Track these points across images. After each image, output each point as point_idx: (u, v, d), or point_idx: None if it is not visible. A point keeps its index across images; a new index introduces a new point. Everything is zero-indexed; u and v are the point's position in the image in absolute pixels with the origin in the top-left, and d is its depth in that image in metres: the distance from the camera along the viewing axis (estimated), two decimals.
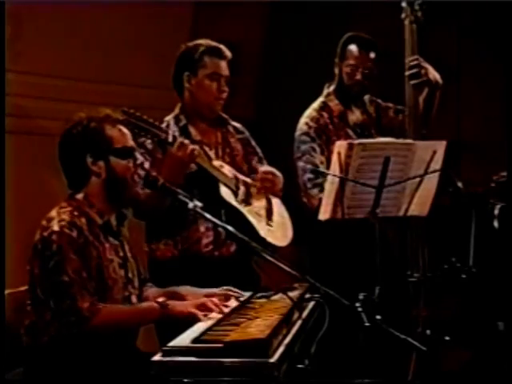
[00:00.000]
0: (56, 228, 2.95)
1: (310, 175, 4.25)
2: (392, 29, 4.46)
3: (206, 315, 3.01)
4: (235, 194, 3.82)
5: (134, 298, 3.17)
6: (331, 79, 4.48)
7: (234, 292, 3.21)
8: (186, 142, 3.66)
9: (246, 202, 3.85)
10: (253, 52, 6.09)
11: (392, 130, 4.42)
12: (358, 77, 4.37)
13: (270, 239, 3.81)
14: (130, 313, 3.09)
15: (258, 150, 4.12)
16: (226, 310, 3.06)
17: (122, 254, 3.16)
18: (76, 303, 2.90)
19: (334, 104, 4.44)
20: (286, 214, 4.06)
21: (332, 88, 4.48)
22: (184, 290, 3.27)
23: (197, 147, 3.72)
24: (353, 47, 4.38)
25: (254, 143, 4.11)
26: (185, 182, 3.61)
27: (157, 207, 3.66)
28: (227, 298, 3.23)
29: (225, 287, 3.24)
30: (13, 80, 4.70)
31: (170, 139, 3.63)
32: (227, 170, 3.85)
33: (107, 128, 3.10)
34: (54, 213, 3.03)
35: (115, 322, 2.99)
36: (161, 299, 3.08)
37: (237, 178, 3.86)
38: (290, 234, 4.01)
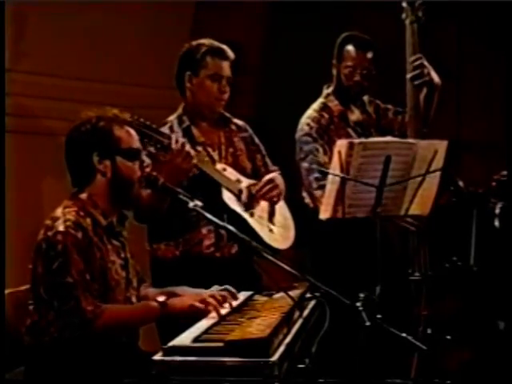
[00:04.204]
0: (61, 228, 2.94)
1: (316, 175, 4.23)
2: (392, 29, 4.46)
3: (205, 306, 3.01)
4: (238, 197, 3.81)
5: (134, 299, 3.17)
6: (331, 79, 4.48)
7: (231, 293, 3.20)
8: (186, 147, 3.65)
9: (249, 205, 3.85)
10: (253, 52, 6.09)
11: (391, 132, 4.42)
12: (357, 78, 4.37)
13: (271, 243, 3.81)
14: (130, 313, 3.09)
15: (262, 147, 4.12)
16: (225, 306, 3.06)
17: (123, 255, 3.16)
18: (80, 305, 2.89)
19: (334, 104, 4.43)
20: (288, 215, 4.06)
21: (331, 89, 4.47)
22: (181, 290, 3.26)
23: (200, 150, 3.72)
24: (350, 48, 4.37)
25: (257, 140, 4.11)
26: (187, 186, 3.59)
27: (157, 209, 3.66)
28: (224, 298, 3.21)
29: (222, 287, 3.23)
30: (16, 79, 4.71)
31: (174, 145, 3.62)
32: (230, 172, 3.84)
33: (115, 128, 3.09)
34: (59, 212, 3.01)
35: (117, 323, 2.98)
36: (160, 298, 3.07)
37: (240, 181, 3.86)
38: (291, 235, 4.01)
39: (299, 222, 4.08)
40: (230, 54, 3.92)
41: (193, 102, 3.92)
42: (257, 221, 3.84)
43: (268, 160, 4.11)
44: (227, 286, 3.23)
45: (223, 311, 3.04)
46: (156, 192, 3.49)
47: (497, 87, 6.04)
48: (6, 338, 3.03)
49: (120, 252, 3.15)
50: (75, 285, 2.90)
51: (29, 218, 4.30)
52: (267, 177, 3.94)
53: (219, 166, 3.83)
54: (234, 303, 3.16)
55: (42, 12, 4.84)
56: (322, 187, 4.15)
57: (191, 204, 3.14)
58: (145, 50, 5.36)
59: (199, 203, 3.14)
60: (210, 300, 3.03)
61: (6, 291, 3.17)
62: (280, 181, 3.97)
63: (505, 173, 4.53)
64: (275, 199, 3.94)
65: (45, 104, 4.94)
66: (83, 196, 3.08)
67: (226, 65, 3.90)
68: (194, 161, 3.66)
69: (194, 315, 2.96)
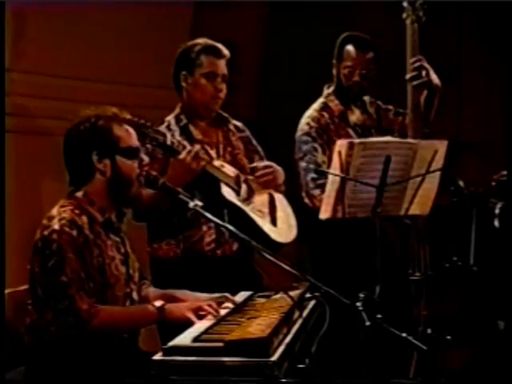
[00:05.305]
0: (56, 227, 2.95)
1: (313, 175, 4.25)
2: (392, 29, 4.46)
3: (202, 318, 3.00)
4: (237, 192, 3.82)
5: (135, 295, 3.17)
6: (331, 79, 4.48)
7: (230, 300, 3.21)
8: (195, 149, 3.66)
9: (249, 199, 3.85)
10: (253, 52, 6.09)
11: (392, 132, 4.42)
12: (356, 78, 4.37)
13: (274, 237, 3.81)
14: (126, 315, 3.09)
15: (259, 148, 4.12)
16: (223, 313, 3.05)
17: (123, 250, 3.16)
18: (74, 304, 2.90)
19: (334, 104, 4.44)
20: (289, 210, 4.06)
21: (331, 89, 4.48)
22: (182, 294, 3.27)
23: (198, 147, 3.73)
24: (350, 48, 4.37)
25: (254, 142, 4.12)
26: (186, 184, 3.60)
27: (157, 208, 3.67)
28: (222, 304, 3.21)
29: (221, 294, 3.24)
30: (15, 79, 4.71)
31: (169, 142, 3.63)
32: (228, 169, 3.85)
33: (115, 127, 3.09)
34: (54, 211, 3.02)
35: (112, 324, 2.98)
36: (158, 303, 3.06)
37: (238, 177, 3.86)
38: (294, 230, 4.01)
39: (299, 222, 4.08)
40: (225, 52, 3.92)
41: (189, 101, 3.92)
42: (258, 215, 3.84)
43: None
44: (226, 294, 3.23)
45: (222, 311, 3.05)
46: (156, 192, 3.49)
47: (497, 87, 6.04)
48: (5, 337, 3.03)
49: (120, 247, 3.15)
50: (70, 284, 2.91)
51: (29, 217, 4.29)
52: (266, 162, 3.93)
53: (217, 163, 3.83)
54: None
55: (41, 12, 4.83)
56: (319, 186, 4.15)
57: (191, 204, 3.14)
58: (145, 50, 5.36)
59: (199, 203, 3.14)
60: (207, 309, 3.03)
61: (6, 291, 3.17)
62: (278, 168, 3.96)
63: (505, 173, 4.53)
64: (276, 183, 3.93)
65: (45, 104, 4.93)
66: (79, 194, 3.09)
67: (221, 63, 3.90)
68: (203, 163, 3.66)
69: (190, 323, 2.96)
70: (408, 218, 4.10)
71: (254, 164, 3.93)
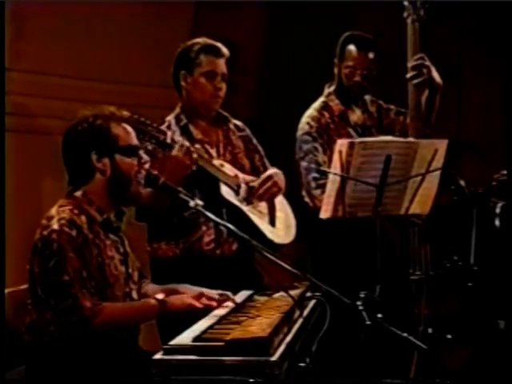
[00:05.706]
0: (56, 227, 2.95)
1: (314, 175, 4.24)
2: (394, 28, 4.45)
3: (204, 306, 3.02)
4: (236, 192, 3.82)
5: (134, 294, 3.18)
6: (332, 79, 4.48)
7: (230, 299, 3.21)
8: (187, 144, 3.66)
9: (248, 200, 3.84)
10: (253, 52, 6.09)
11: (392, 132, 4.42)
12: (357, 78, 4.36)
13: (273, 237, 3.81)
14: (129, 311, 3.09)
15: (260, 147, 4.12)
16: (224, 305, 3.06)
17: (122, 249, 3.17)
18: (77, 303, 2.90)
19: (335, 104, 4.44)
20: (288, 210, 4.06)
21: (332, 88, 4.48)
22: (183, 288, 3.27)
23: (198, 147, 3.72)
24: (351, 48, 4.37)
25: (255, 141, 4.12)
26: (185, 182, 3.60)
27: (158, 208, 3.67)
28: (223, 301, 3.20)
29: (222, 292, 3.24)
30: (15, 79, 4.71)
31: (169, 140, 3.63)
32: (228, 168, 3.85)
33: (113, 126, 3.10)
34: (53, 211, 3.02)
35: (115, 321, 2.99)
36: (160, 295, 3.07)
37: (238, 177, 3.85)
38: (293, 230, 4.01)
39: (300, 221, 4.08)
40: (225, 51, 3.91)
41: (189, 100, 3.92)
42: (257, 215, 3.84)
43: (266, 161, 4.11)
44: (227, 293, 3.23)
45: (223, 311, 3.05)
46: (157, 191, 3.49)
47: (497, 88, 6.04)
48: (6, 337, 3.03)
49: (119, 247, 3.15)
50: (72, 283, 2.91)
51: (29, 217, 4.29)
52: (266, 173, 3.93)
53: (216, 162, 3.83)
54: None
55: (41, 11, 4.84)
56: (321, 186, 4.15)
57: (192, 203, 3.14)
58: (145, 49, 5.36)
59: (200, 202, 3.14)
60: (209, 294, 3.04)
61: (6, 290, 3.17)
62: (279, 177, 3.96)
63: (505, 172, 4.53)
64: (279, 193, 3.94)
65: (44, 103, 4.94)
66: (78, 194, 3.09)
67: (220, 62, 3.89)
68: (195, 155, 3.66)
69: (193, 313, 2.96)
70: (409, 220, 4.10)
71: (254, 183, 3.90)
